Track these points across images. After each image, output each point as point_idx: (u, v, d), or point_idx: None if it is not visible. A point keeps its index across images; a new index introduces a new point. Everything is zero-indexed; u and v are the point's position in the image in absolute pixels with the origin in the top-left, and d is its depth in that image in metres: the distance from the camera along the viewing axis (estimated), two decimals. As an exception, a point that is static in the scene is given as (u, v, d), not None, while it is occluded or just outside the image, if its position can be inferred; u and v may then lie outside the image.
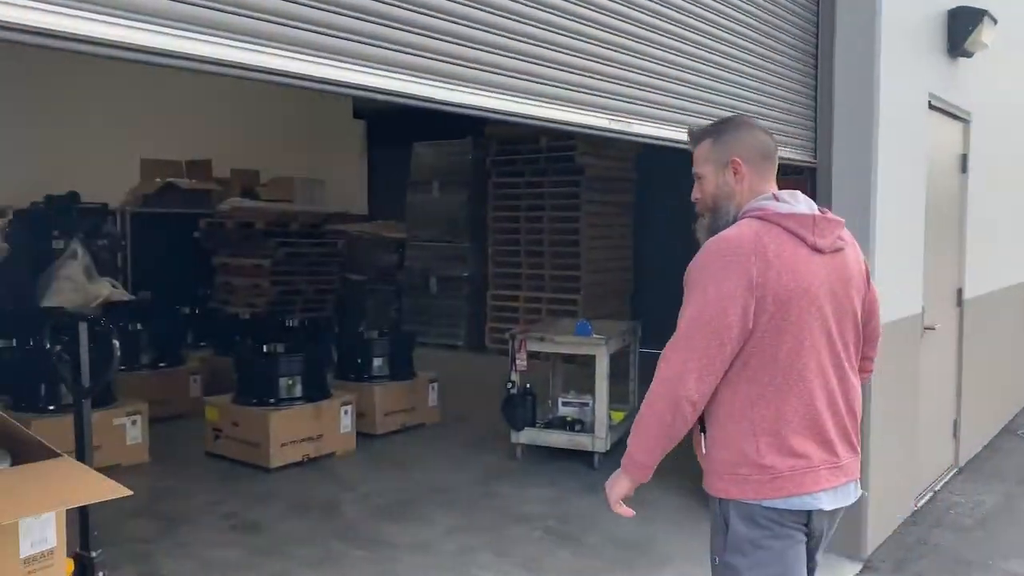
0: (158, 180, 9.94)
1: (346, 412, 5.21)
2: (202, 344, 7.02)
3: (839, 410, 1.95)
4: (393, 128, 11.46)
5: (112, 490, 2.17)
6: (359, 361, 5.70)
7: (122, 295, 8.49)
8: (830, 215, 1.98)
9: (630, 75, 2.70)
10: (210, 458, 5.09)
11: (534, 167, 8.97)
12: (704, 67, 3.08)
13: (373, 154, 12.02)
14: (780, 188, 2.03)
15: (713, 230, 1.98)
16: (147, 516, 4.12)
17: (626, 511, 2.01)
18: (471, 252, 9.45)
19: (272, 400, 4.95)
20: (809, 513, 1.91)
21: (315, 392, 5.11)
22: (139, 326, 6.35)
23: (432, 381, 6.01)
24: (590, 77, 2.52)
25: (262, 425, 4.80)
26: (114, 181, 9.73)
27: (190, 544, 3.82)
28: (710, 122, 2.15)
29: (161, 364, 6.11)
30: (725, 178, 2.00)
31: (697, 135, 2.08)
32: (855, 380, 2.02)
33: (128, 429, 4.87)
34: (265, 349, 5.38)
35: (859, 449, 2.01)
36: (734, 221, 1.96)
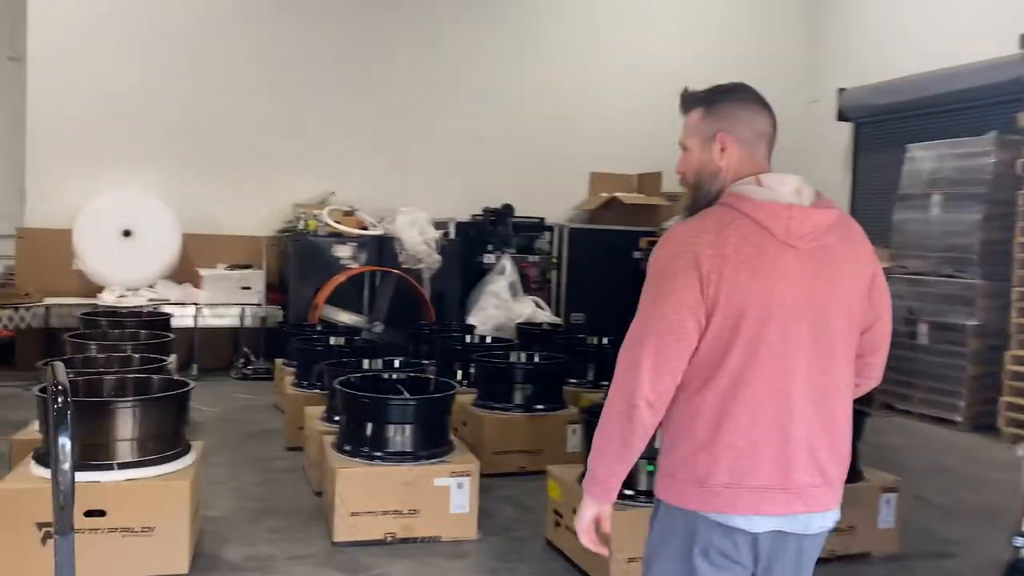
0: (604, 195, 9.20)
1: (736, 522, 3.47)
2: (603, 384, 5.82)
3: (806, 430, 1.76)
4: (885, 129, 9.15)
5: None
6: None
7: (546, 316, 7.84)
8: (821, 204, 1.80)
9: None
10: (547, 550, 3.80)
11: (1099, 171, 5.99)
12: None
13: (859, 162, 9.73)
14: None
15: (693, 209, 1.87)
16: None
17: (599, 548, 1.92)
18: (984, 293, 6.75)
19: (627, 491, 3.44)
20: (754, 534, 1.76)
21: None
22: (521, 357, 5.41)
23: (888, 490, 3.89)
24: None
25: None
26: (562, 196, 9.27)
27: None
28: (705, 88, 1.92)
29: (538, 406, 5.03)
30: (711, 154, 1.86)
31: (689, 100, 1.91)
32: (839, 396, 1.81)
33: (453, 493, 3.82)
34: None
35: (835, 477, 1.82)
36: (712, 202, 1.83)
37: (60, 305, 7.11)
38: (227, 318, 7.65)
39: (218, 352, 7.84)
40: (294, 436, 5.18)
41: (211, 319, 7.59)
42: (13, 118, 7.63)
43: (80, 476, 3.19)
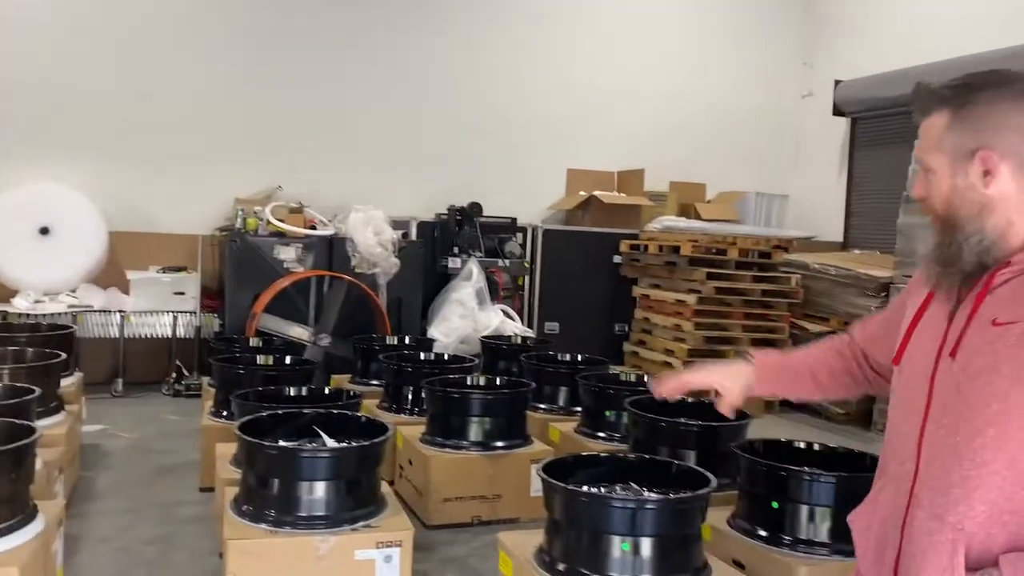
0: (581, 193, 8.45)
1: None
2: (575, 410, 5.06)
3: None
4: (887, 125, 8.46)
5: None
6: (775, 506, 3.08)
7: (516, 327, 7.07)
8: None
9: None
10: (500, 638, 3.05)
11: None
12: None
13: (856, 161, 9.05)
14: None
15: (943, 257, 1.30)
16: None
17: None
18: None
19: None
20: None
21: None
22: (480, 380, 4.65)
23: None
24: None
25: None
26: (536, 194, 8.51)
27: None
28: (955, 80, 1.32)
29: (497, 444, 4.26)
30: (968, 179, 1.30)
31: (927, 99, 1.38)
32: None
33: (379, 568, 3.04)
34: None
35: None
36: (988, 249, 1.25)
37: (-38, 313, 6.26)
38: (158, 327, 6.83)
39: (149, 365, 7.02)
40: (209, 475, 4.37)
41: (139, 328, 6.78)
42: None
43: None
